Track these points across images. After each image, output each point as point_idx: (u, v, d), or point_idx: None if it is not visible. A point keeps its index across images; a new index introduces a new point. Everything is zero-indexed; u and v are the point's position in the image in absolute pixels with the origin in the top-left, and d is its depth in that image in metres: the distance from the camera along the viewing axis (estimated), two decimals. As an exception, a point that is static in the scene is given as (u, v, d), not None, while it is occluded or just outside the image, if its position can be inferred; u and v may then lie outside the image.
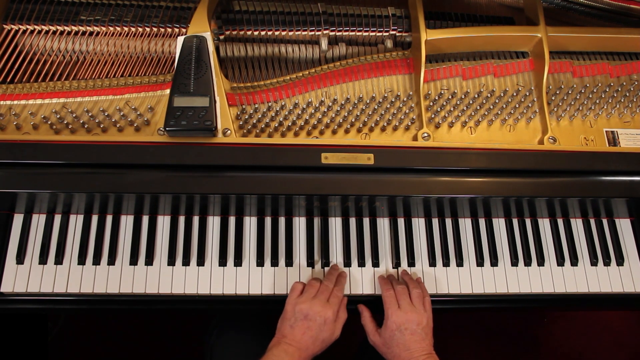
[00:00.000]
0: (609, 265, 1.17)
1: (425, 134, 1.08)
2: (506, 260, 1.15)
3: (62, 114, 1.04)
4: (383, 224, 1.16)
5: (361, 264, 1.12)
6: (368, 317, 1.05)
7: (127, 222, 1.11)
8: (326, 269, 1.11)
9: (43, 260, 1.06)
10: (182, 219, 1.12)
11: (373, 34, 1.18)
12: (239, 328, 1.14)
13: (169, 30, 1.13)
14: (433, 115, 1.12)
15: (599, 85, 1.19)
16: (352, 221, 1.15)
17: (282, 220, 1.14)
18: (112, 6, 1.13)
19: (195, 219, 1.13)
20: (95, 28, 1.12)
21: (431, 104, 1.13)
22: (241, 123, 1.07)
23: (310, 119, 1.09)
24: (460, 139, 1.11)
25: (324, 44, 1.15)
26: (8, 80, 1.07)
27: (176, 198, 1.05)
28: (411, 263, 1.13)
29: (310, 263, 1.11)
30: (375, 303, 1.07)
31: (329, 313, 0.97)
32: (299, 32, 1.16)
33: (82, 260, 1.07)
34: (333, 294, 1.01)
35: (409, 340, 0.96)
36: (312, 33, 1.16)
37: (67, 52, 1.12)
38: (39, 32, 1.12)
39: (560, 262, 1.15)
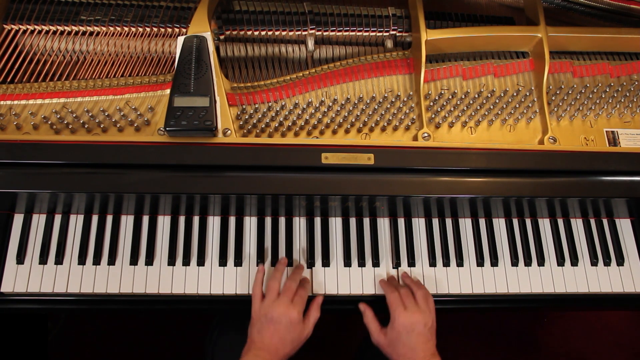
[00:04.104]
0: (609, 265, 1.17)
1: (426, 134, 1.08)
2: (506, 260, 1.15)
3: (62, 114, 1.04)
4: (383, 224, 1.16)
5: (361, 264, 1.12)
6: (371, 316, 1.05)
7: (127, 222, 1.11)
8: (326, 269, 1.11)
9: (43, 260, 1.06)
10: (182, 219, 1.12)
11: (373, 34, 1.18)
12: (240, 328, 1.13)
13: (169, 30, 1.13)
14: (433, 115, 1.12)
15: (599, 85, 1.19)
16: (353, 221, 1.15)
17: (282, 220, 1.14)
18: (112, 6, 1.13)
19: (196, 219, 1.13)
20: (96, 28, 1.12)
21: (431, 104, 1.13)
22: (241, 123, 1.07)
23: (310, 119, 1.09)
24: (461, 139, 1.11)
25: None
26: (8, 80, 1.07)
27: (176, 198, 1.05)
28: (411, 263, 1.13)
29: (311, 263, 1.11)
30: (375, 303, 1.07)
31: (294, 313, 0.97)
32: (299, 32, 1.16)
33: (82, 260, 1.07)
34: (297, 294, 1.01)
35: (416, 341, 0.96)
36: (312, 33, 1.16)
37: (67, 52, 1.12)
38: (39, 32, 1.12)
39: (561, 262, 1.15)
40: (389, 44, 1.20)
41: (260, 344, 0.95)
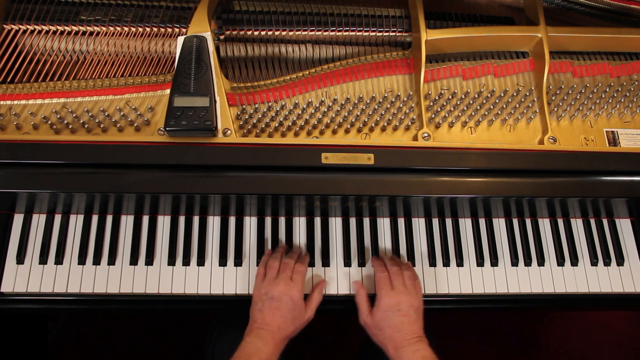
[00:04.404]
0: (609, 265, 1.17)
1: (426, 134, 1.08)
2: (506, 260, 1.15)
3: (62, 113, 1.04)
4: (383, 224, 1.16)
5: (361, 263, 1.12)
6: (364, 295, 1.05)
7: (127, 222, 1.11)
8: (326, 268, 1.11)
9: (43, 260, 1.06)
10: (182, 219, 1.12)
11: (373, 34, 1.18)
12: (240, 328, 1.13)
13: (169, 30, 1.13)
14: (433, 115, 1.12)
15: (599, 85, 1.19)
16: (352, 221, 1.15)
17: (282, 220, 1.14)
18: (112, 6, 1.13)
19: (196, 219, 1.13)
20: (96, 28, 1.12)
21: (431, 104, 1.13)
22: (241, 123, 1.07)
23: (310, 119, 1.09)
24: (461, 139, 1.11)
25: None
26: (8, 80, 1.07)
27: (176, 198, 1.05)
28: (411, 263, 1.13)
29: (311, 263, 1.11)
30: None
31: (294, 291, 0.98)
32: (299, 32, 1.16)
33: (82, 260, 1.07)
34: (295, 270, 1.01)
35: (401, 321, 0.96)
36: (312, 33, 1.16)
37: (67, 52, 1.12)
38: (39, 32, 1.12)
39: (561, 262, 1.15)
40: (389, 44, 1.19)
41: (262, 323, 0.95)
